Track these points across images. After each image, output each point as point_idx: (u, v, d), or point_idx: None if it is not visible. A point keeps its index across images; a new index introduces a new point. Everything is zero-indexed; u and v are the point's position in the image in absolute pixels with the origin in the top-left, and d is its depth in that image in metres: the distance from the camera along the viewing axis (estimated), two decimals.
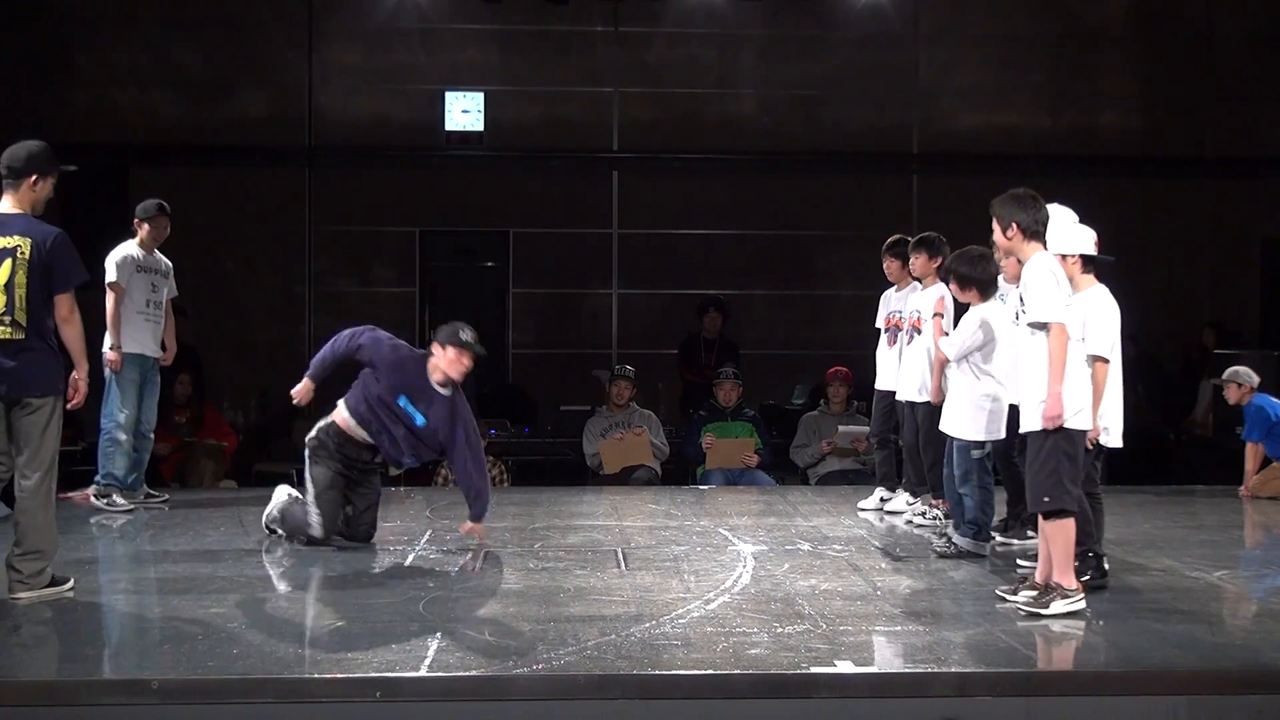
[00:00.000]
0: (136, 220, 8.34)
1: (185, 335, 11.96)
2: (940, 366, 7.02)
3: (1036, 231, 5.60)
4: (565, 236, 14.33)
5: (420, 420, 6.67)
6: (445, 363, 6.65)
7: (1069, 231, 6.07)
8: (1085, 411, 5.52)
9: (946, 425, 6.73)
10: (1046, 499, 5.46)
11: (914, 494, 7.94)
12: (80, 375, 5.87)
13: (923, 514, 7.76)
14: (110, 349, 8.07)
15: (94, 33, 14.00)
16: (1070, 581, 5.47)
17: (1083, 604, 5.45)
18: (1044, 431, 5.44)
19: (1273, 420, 8.96)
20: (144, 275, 8.27)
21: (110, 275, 8.12)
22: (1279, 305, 14.32)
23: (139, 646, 5.15)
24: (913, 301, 7.81)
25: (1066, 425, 5.42)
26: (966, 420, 6.60)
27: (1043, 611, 5.40)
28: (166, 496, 8.54)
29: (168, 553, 7.04)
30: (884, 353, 8.19)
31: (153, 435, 8.48)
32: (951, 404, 6.71)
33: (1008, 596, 5.66)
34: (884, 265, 8.17)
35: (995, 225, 5.70)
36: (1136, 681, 4.76)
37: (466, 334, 6.65)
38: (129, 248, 8.26)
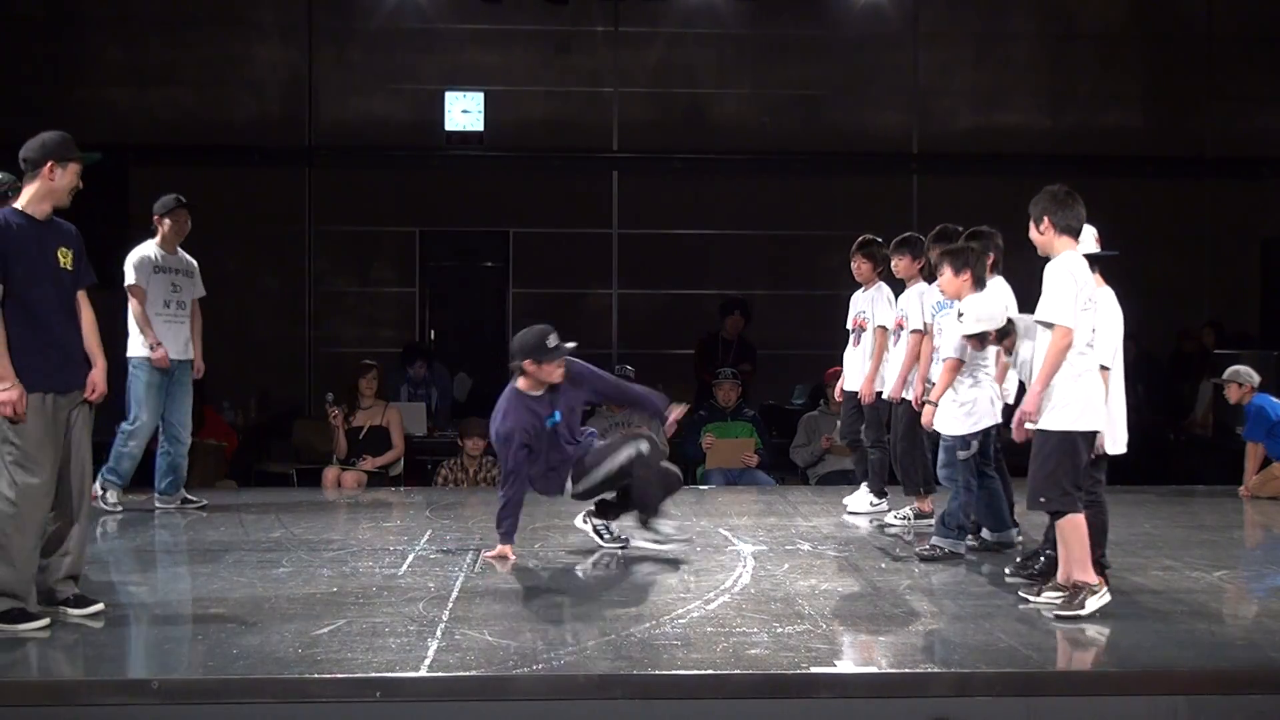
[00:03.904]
0: (156, 217, 8.19)
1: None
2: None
3: (1069, 227, 5.53)
4: (565, 236, 14.33)
5: (557, 417, 6.66)
6: (545, 375, 6.57)
7: None
8: (1092, 413, 5.46)
9: (936, 422, 6.71)
10: (1043, 499, 5.45)
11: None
12: None
13: (905, 517, 7.76)
14: (152, 348, 7.93)
15: (94, 33, 14.00)
16: (1091, 576, 5.43)
17: (1107, 596, 5.43)
18: (1044, 431, 5.43)
19: (1273, 420, 8.97)
20: (163, 275, 8.12)
21: (129, 278, 8.00)
22: (1279, 305, 14.32)
23: (139, 646, 5.15)
24: (899, 301, 7.80)
25: (1071, 428, 5.39)
26: (948, 416, 6.58)
27: (1080, 613, 5.35)
28: (204, 502, 8.29)
29: (168, 553, 7.05)
30: (850, 353, 8.18)
31: (188, 439, 8.26)
32: (943, 401, 6.67)
33: (1030, 597, 5.63)
34: (853, 266, 8.13)
35: (1031, 222, 5.62)
36: (1136, 681, 4.75)
37: (551, 339, 6.56)
38: (147, 248, 8.13)
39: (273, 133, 14.04)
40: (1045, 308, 5.43)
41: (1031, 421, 5.43)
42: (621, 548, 6.87)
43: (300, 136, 14.10)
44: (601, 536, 6.93)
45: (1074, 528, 5.44)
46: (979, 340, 6.32)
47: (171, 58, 13.93)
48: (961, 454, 6.54)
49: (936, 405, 6.60)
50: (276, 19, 14.07)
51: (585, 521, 6.99)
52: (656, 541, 6.81)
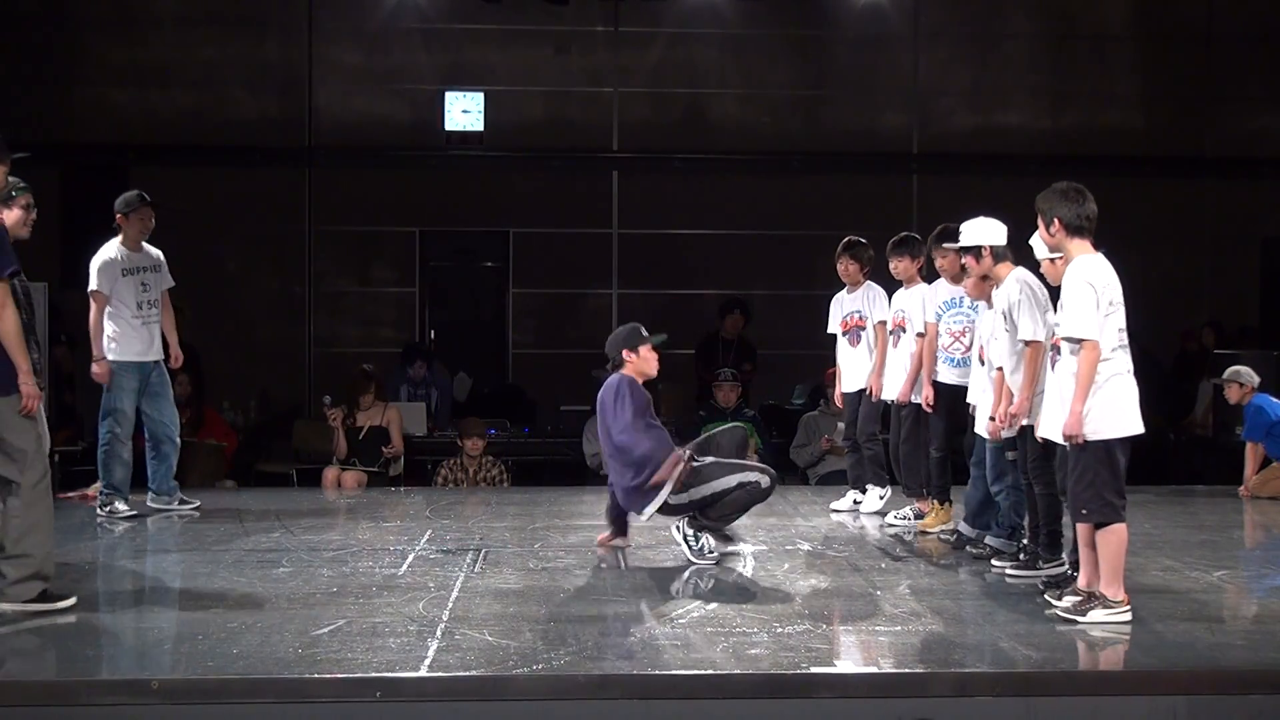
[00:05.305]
0: (119, 216, 7.92)
1: (185, 335, 12.00)
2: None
3: (1081, 227, 5.36)
4: (565, 236, 14.32)
5: None
6: (645, 363, 6.77)
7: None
8: (1127, 418, 5.30)
9: (980, 426, 6.65)
10: (1085, 511, 5.31)
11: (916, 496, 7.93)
12: (19, 376, 5.38)
13: (906, 517, 7.75)
14: (95, 361, 7.74)
15: (94, 33, 14.00)
16: (1116, 593, 5.32)
17: (1128, 616, 5.30)
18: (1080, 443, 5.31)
19: (1273, 420, 8.97)
20: (131, 277, 7.87)
21: (92, 283, 7.78)
22: (1279, 305, 14.33)
23: (139, 646, 5.15)
24: (897, 301, 7.80)
25: (1108, 436, 5.25)
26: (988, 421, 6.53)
27: (1080, 619, 5.30)
28: (198, 504, 8.17)
29: (168, 553, 7.05)
30: (847, 354, 8.15)
31: (178, 437, 8.13)
32: (984, 406, 6.60)
33: (1052, 601, 5.52)
34: (840, 268, 8.09)
35: (1040, 221, 5.49)
36: (1136, 681, 4.76)
37: (644, 330, 6.79)
38: (111, 249, 7.88)
39: (273, 133, 14.02)
40: (1068, 323, 5.26)
41: (1076, 443, 5.26)
42: (715, 563, 6.57)
43: (300, 136, 14.09)
44: (691, 549, 6.61)
45: (1116, 539, 5.30)
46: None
47: (171, 58, 13.92)
48: (1010, 455, 6.50)
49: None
50: (276, 19, 14.06)
51: (677, 530, 6.70)
52: (695, 546, 6.59)
